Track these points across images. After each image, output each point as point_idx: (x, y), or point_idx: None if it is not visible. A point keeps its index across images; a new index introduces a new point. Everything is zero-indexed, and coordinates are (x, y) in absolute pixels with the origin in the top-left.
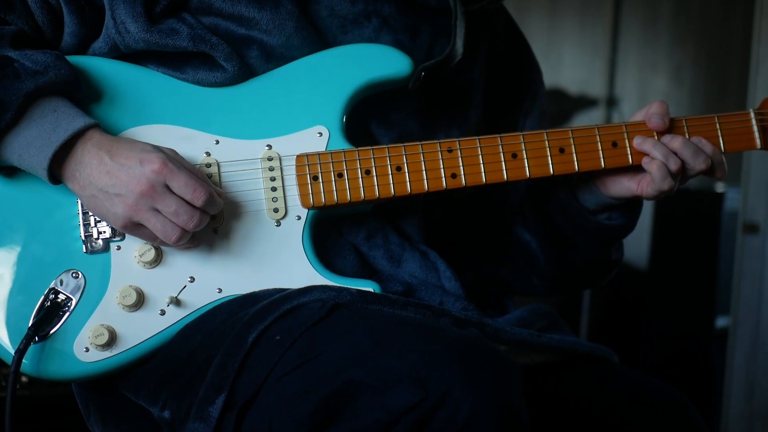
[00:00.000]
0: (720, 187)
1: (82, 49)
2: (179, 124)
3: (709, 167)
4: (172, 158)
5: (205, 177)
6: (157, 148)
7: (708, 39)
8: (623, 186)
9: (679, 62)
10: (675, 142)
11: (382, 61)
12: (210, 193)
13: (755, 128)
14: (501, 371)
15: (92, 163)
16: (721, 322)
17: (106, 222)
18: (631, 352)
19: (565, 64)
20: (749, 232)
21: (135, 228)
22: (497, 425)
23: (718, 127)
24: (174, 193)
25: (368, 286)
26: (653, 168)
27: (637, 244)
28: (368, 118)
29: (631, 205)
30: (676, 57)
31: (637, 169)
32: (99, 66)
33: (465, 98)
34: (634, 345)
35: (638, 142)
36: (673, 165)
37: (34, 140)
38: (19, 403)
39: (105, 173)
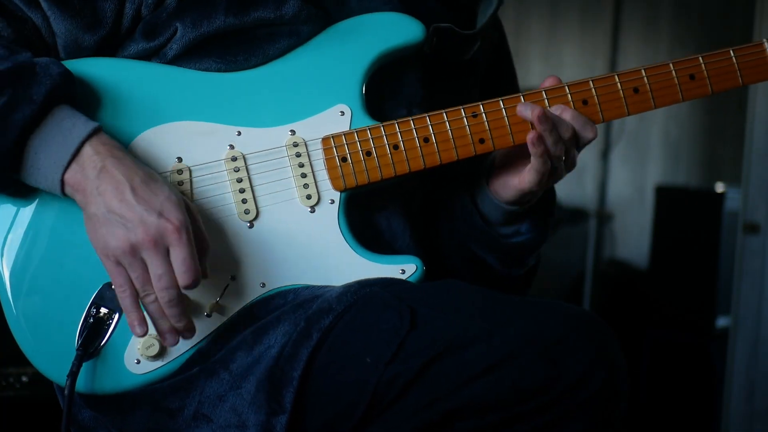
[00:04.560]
0: (720, 187)
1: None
2: (198, 119)
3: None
4: (189, 228)
5: (204, 254)
6: (182, 205)
7: (708, 39)
8: (509, 186)
9: None
10: (566, 113)
11: (394, 29)
12: (198, 280)
13: None
14: (608, 336)
15: (107, 188)
16: (721, 322)
17: (92, 243)
18: (632, 352)
19: (566, 64)
20: (749, 232)
21: (113, 266)
22: (607, 383)
23: (734, 60)
24: (168, 258)
25: (411, 263)
26: (535, 150)
27: (637, 244)
28: (378, 94)
29: (539, 213)
30: (676, 57)
31: (519, 163)
32: (107, 66)
33: (468, 76)
34: (634, 345)
35: (521, 108)
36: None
37: (54, 137)
38: (20, 403)
39: (118, 201)
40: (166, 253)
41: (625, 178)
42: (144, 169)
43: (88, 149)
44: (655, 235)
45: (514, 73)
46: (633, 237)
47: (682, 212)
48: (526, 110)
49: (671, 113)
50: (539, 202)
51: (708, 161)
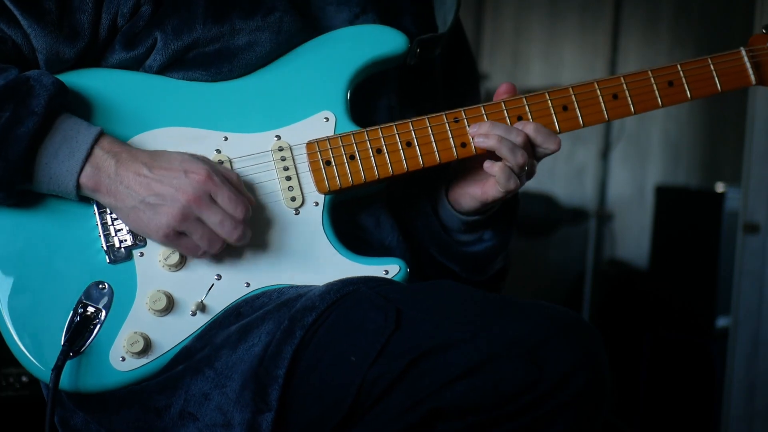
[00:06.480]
0: (720, 187)
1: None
2: (185, 125)
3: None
4: (215, 170)
5: (242, 187)
6: (197, 158)
7: (708, 39)
8: (470, 196)
9: None
10: (528, 127)
11: (379, 40)
12: (249, 206)
13: (748, 65)
14: (592, 338)
15: (128, 176)
16: (721, 322)
17: (146, 234)
18: (632, 352)
19: (566, 64)
20: (749, 232)
21: (176, 238)
22: (589, 385)
23: (711, 67)
24: (218, 204)
25: (395, 263)
26: (495, 170)
27: (637, 244)
28: (361, 101)
29: (502, 219)
30: (676, 57)
31: (480, 173)
32: (94, 76)
33: (435, 72)
34: (634, 345)
35: (480, 141)
36: (521, 159)
37: (61, 145)
38: (20, 402)
39: (145, 185)
40: (214, 201)
41: (625, 178)
42: (149, 150)
43: (98, 151)
44: (655, 235)
45: (472, 56)
46: (633, 237)
47: (682, 212)
48: (485, 142)
49: (671, 113)
50: (502, 207)
51: (708, 161)
